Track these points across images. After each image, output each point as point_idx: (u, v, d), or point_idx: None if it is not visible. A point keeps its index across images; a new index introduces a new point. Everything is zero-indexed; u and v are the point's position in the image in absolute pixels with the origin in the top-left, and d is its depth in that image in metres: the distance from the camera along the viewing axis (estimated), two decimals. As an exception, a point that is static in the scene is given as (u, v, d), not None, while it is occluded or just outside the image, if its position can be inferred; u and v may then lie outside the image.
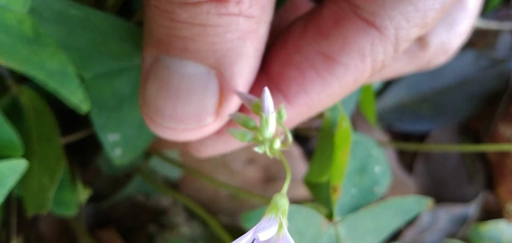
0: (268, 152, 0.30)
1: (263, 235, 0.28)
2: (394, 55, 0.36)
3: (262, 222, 0.29)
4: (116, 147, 0.48)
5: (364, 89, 0.61)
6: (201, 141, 0.41)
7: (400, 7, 0.34)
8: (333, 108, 0.46)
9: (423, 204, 0.50)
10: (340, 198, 0.44)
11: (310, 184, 0.48)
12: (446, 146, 0.79)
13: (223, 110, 0.36)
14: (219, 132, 0.40)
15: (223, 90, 0.35)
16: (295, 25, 0.38)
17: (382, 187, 0.47)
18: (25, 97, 0.51)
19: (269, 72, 0.38)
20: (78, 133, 0.59)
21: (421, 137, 0.79)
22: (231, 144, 0.41)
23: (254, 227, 0.28)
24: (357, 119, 0.75)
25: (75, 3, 0.41)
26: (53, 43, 0.36)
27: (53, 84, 0.35)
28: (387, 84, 0.77)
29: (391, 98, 0.76)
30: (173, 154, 0.64)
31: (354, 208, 0.45)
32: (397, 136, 0.78)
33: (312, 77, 0.36)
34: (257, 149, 0.30)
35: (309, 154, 0.72)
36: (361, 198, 0.46)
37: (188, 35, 0.33)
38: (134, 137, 0.49)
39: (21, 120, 0.52)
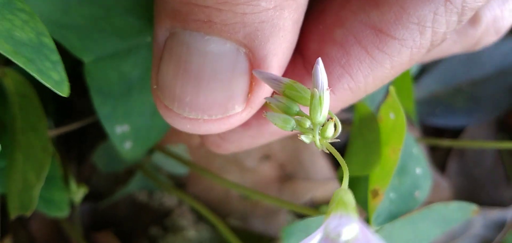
0: (317, 142, 0.26)
1: (346, 233, 0.23)
2: (457, 27, 0.29)
3: (334, 220, 0.23)
4: (126, 140, 0.43)
5: (401, 76, 0.54)
6: (224, 135, 0.35)
7: None
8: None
9: (468, 211, 0.44)
10: (379, 204, 0.37)
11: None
12: (482, 142, 0.72)
13: (254, 96, 0.30)
14: (246, 124, 0.34)
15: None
16: None
17: (424, 191, 0.40)
18: (9, 80, 0.44)
19: (304, 51, 0.32)
20: (72, 124, 0.53)
21: (455, 133, 0.72)
22: (261, 137, 0.35)
23: (323, 225, 0.23)
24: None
25: None
26: (28, 8, 0.30)
27: (19, 59, 0.27)
28: (418, 75, 0.70)
29: (423, 90, 0.70)
30: (179, 149, 0.58)
31: (393, 215, 0.38)
32: (429, 131, 0.72)
33: (359, 56, 0.30)
34: (304, 138, 0.26)
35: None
36: (401, 204, 0.39)
37: (213, 4, 0.27)
38: (146, 128, 0.43)
39: (6, 107, 0.46)
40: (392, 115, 0.34)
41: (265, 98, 0.28)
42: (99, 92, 0.40)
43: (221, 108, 0.29)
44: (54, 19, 0.36)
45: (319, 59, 0.26)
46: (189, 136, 0.59)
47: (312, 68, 0.29)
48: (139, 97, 0.42)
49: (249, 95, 0.29)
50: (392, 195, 0.38)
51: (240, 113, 0.30)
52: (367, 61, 0.30)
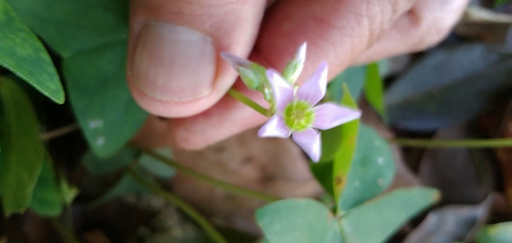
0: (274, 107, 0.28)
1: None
2: (392, 17, 0.33)
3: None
4: (99, 136, 0.44)
5: (370, 75, 0.57)
6: (189, 127, 0.38)
7: None
8: (336, 91, 0.42)
9: (429, 197, 0.47)
10: (344, 191, 0.40)
11: (317, 171, 0.44)
12: (453, 142, 0.75)
13: (220, 81, 0.33)
14: (207, 113, 0.36)
15: (220, 59, 0.32)
16: None
17: (387, 179, 0.44)
18: (5, 88, 0.48)
19: (258, 45, 0.35)
20: (62, 128, 0.56)
21: (427, 136, 0.75)
22: (222, 127, 0.38)
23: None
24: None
25: None
26: (26, 28, 0.33)
27: (23, 72, 0.31)
28: (392, 81, 0.73)
29: (396, 95, 0.73)
30: (166, 151, 0.61)
31: (358, 201, 0.42)
32: (403, 134, 0.75)
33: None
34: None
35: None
36: (365, 191, 0.42)
37: None
38: (119, 123, 0.45)
39: (1, 113, 0.49)
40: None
41: (237, 65, 0.30)
42: (75, 87, 0.42)
43: (190, 91, 0.32)
44: (36, 13, 0.37)
45: (305, 43, 0.29)
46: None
47: (265, 60, 0.33)
48: (113, 92, 0.44)
49: (215, 80, 0.32)
50: (356, 183, 0.42)
51: (207, 96, 0.33)
52: (312, 49, 0.32)
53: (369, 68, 0.61)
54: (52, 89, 0.32)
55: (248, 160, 0.66)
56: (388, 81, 0.73)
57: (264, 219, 0.36)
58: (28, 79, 0.31)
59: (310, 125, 0.27)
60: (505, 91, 0.74)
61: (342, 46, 0.32)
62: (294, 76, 0.28)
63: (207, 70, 0.32)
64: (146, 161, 0.61)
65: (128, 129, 0.45)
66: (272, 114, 0.28)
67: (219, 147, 0.65)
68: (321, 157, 0.41)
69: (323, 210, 0.39)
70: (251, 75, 0.29)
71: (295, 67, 0.28)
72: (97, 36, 0.40)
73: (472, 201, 0.73)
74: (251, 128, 0.39)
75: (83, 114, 0.43)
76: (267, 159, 0.67)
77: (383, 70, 0.69)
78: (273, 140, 0.67)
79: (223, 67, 0.32)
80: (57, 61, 0.43)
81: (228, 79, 0.33)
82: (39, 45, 0.33)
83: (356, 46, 0.33)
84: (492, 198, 0.73)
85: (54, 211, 0.53)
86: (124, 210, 0.63)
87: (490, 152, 0.76)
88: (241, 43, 0.32)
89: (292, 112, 0.26)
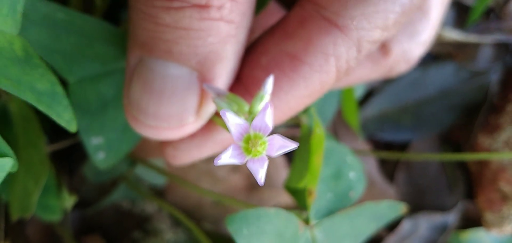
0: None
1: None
2: (358, 56, 0.37)
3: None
4: (99, 151, 0.49)
5: (346, 97, 0.62)
6: (176, 145, 0.43)
7: (361, 8, 0.35)
8: (311, 116, 0.47)
9: (398, 210, 0.52)
10: (316, 202, 0.45)
11: (290, 189, 0.49)
12: (426, 155, 0.80)
13: (203, 110, 0.38)
14: (191, 136, 0.41)
15: (204, 91, 0.37)
16: (265, 31, 0.39)
17: (357, 192, 0.49)
18: (14, 104, 0.52)
19: (240, 76, 0.39)
20: (64, 141, 0.61)
21: (402, 147, 0.80)
22: (204, 148, 0.42)
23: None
24: (340, 129, 0.77)
25: (62, 7, 0.42)
26: (43, 64, 0.37)
27: (43, 106, 0.35)
28: (369, 95, 0.78)
29: (373, 109, 0.78)
30: (159, 161, 0.66)
31: (330, 212, 0.47)
32: (379, 145, 0.80)
33: (278, 77, 0.37)
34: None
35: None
36: (337, 203, 0.47)
37: (172, 38, 0.35)
38: (118, 140, 0.50)
39: (9, 126, 0.53)
40: (318, 130, 0.42)
41: (215, 95, 0.35)
42: (79, 108, 0.46)
43: (177, 118, 0.37)
44: (46, 44, 0.41)
45: (271, 76, 0.33)
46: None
47: (244, 89, 0.37)
48: (113, 113, 0.48)
49: (199, 108, 0.37)
50: (329, 195, 0.47)
51: (192, 122, 0.38)
52: (285, 81, 0.37)
53: (345, 91, 0.65)
54: (66, 119, 0.37)
55: (235, 169, 0.71)
56: (366, 96, 0.78)
57: (233, 225, 0.40)
58: (48, 112, 0.36)
59: (265, 152, 0.31)
60: (475, 106, 0.79)
61: (311, 79, 0.37)
62: (260, 105, 0.33)
63: (192, 100, 0.37)
64: (140, 170, 0.66)
65: (125, 145, 0.50)
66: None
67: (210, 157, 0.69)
68: (292, 183, 0.47)
69: (293, 219, 0.43)
70: (223, 105, 0.34)
71: (261, 98, 0.33)
72: (99, 65, 0.45)
73: (444, 208, 0.78)
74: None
75: (86, 132, 0.47)
76: (253, 168, 0.71)
77: (360, 92, 0.74)
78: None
79: (206, 98, 0.37)
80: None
81: (210, 108, 0.38)
82: (54, 79, 0.37)
83: (324, 80, 0.37)
84: (462, 205, 0.78)
85: (55, 217, 0.58)
86: (120, 215, 0.67)
87: (461, 163, 0.81)
88: (222, 76, 0.37)
89: (250, 141, 0.31)
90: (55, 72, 0.44)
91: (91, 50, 0.44)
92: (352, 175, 0.48)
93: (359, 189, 0.49)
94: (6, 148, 0.35)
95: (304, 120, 0.47)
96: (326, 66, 0.36)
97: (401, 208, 0.52)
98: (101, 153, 0.50)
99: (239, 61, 0.38)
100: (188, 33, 0.34)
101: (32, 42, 0.42)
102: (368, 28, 0.35)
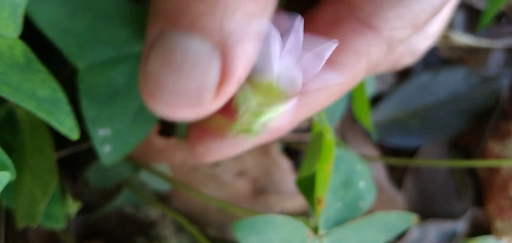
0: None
1: None
2: (387, 56, 0.37)
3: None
4: (106, 143, 0.47)
5: (358, 95, 0.61)
6: (208, 146, 0.42)
7: (395, 9, 0.34)
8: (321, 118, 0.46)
9: (409, 220, 0.51)
10: (325, 211, 0.44)
11: (302, 187, 0.48)
12: (435, 161, 0.79)
13: (222, 90, 0.36)
14: (222, 137, 0.41)
15: (225, 70, 0.35)
16: None
17: (367, 202, 0.47)
18: (21, 110, 0.51)
19: None
20: (70, 148, 0.60)
21: (411, 153, 0.79)
22: (236, 147, 0.42)
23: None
24: (348, 133, 0.76)
25: None
26: (44, 69, 0.36)
27: (43, 113, 0.34)
28: (378, 100, 0.77)
29: (381, 113, 0.77)
30: (162, 167, 0.65)
31: (340, 222, 0.45)
32: (387, 151, 0.79)
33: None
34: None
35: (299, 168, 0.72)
36: (346, 212, 0.46)
37: (196, 12, 0.33)
38: (126, 132, 0.48)
39: (16, 132, 0.52)
40: (328, 136, 0.41)
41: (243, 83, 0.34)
42: (87, 97, 0.45)
43: (196, 95, 0.35)
44: (60, 23, 0.40)
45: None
46: (171, 154, 0.66)
47: None
48: (122, 103, 0.47)
49: (219, 88, 0.35)
50: (338, 204, 0.46)
51: (209, 102, 0.36)
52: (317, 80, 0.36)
53: (356, 90, 0.64)
54: (68, 127, 0.35)
55: (241, 173, 0.70)
56: (375, 100, 0.77)
57: (240, 232, 0.39)
58: (48, 120, 0.34)
59: None
60: (486, 112, 0.78)
61: (342, 79, 0.37)
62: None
63: (212, 78, 0.35)
64: (144, 175, 0.65)
65: (133, 138, 0.49)
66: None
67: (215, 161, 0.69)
68: (304, 172, 0.45)
69: (301, 228, 0.42)
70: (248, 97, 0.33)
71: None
72: (113, 49, 0.43)
73: (453, 215, 0.77)
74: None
75: (93, 122, 0.46)
76: (259, 172, 0.70)
77: (370, 90, 0.73)
78: (265, 155, 0.70)
79: (226, 77, 0.35)
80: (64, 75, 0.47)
81: (230, 89, 0.36)
82: (56, 85, 0.36)
83: (353, 80, 0.38)
84: (472, 212, 0.77)
85: (59, 225, 0.57)
86: (123, 220, 0.66)
87: (470, 169, 0.79)
88: (244, 57, 0.35)
89: None
90: (64, 58, 0.43)
91: (106, 32, 0.42)
92: (362, 184, 0.47)
93: (369, 199, 0.47)
94: (5, 159, 0.34)
95: (316, 118, 0.46)
96: (357, 65, 0.36)
97: (412, 219, 0.50)
98: (107, 146, 0.48)
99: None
100: (213, 7, 0.33)
101: (44, 22, 0.40)
102: (400, 28, 0.35)
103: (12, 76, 0.34)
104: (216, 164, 0.69)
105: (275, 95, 0.33)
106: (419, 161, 0.78)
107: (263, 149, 0.70)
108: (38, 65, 0.35)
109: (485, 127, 0.77)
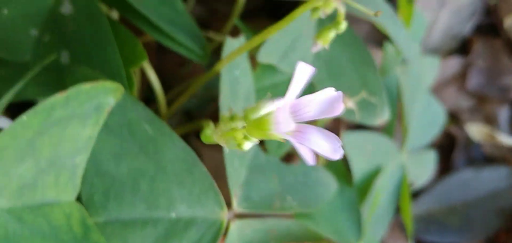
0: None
1: None
2: None
3: None
4: None
5: (404, 197, 0.62)
6: None
7: None
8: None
9: None
10: None
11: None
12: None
13: None
14: None
15: None
16: None
17: None
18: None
19: None
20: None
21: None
22: None
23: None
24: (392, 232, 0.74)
25: (154, 118, 0.35)
26: (103, 240, 0.33)
27: None
28: (416, 194, 0.76)
29: (419, 208, 0.77)
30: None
31: None
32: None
33: None
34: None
35: None
36: None
37: None
38: None
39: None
40: None
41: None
42: None
43: None
44: (100, 162, 0.35)
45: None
46: None
47: None
48: None
49: None
50: None
51: None
52: None
53: (403, 188, 0.64)
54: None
55: None
56: (414, 195, 0.76)
57: None
58: None
59: None
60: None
61: None
62: None
63: None
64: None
65: None
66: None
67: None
68: None
69: None
70: None
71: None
72: (145, 208, 0.37)
73: None
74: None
75: None
76: None
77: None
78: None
79: None
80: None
81: None
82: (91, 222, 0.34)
83: None
84: None
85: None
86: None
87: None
88: None
89: None
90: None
91: (148, 185, 0.36)
92: None
93: None
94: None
95: None
96: None
97: None
98: None
99: None
100: None
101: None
102: None
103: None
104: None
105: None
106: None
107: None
108: (95, 235, 0.33)
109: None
